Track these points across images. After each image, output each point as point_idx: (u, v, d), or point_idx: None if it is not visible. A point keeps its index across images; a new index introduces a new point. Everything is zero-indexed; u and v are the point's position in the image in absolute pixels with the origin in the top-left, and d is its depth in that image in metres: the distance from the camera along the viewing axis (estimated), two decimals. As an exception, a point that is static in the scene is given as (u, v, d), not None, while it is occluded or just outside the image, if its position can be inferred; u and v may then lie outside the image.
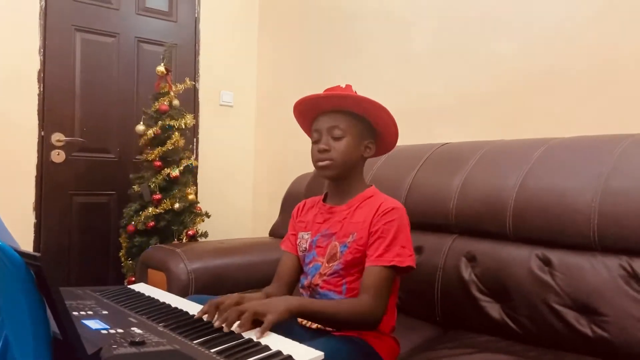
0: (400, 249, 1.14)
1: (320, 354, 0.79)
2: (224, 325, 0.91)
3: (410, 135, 1.53)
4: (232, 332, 0.89)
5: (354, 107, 1.21)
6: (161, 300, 1.12)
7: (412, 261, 1.15)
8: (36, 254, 0.68)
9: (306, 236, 1.31)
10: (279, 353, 0.78)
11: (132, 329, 0.87)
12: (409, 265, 1.14)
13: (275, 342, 0.84)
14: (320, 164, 1.23)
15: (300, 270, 1.33)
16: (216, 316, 0.95)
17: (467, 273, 1.50)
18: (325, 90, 1.23)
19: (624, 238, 1.23)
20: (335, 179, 1.28)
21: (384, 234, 1.15)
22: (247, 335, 0.88)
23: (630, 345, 1.16)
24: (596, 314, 1.22)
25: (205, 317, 0.97)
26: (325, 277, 1.22)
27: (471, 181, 1.59)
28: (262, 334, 0.89)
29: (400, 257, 1.14)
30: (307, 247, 1.29)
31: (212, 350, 0.79)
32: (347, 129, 1.21)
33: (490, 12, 2.04)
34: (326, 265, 1.23)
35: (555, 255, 1.33)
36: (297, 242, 1.33)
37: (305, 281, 1.28)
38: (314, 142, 1.25)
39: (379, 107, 1.20)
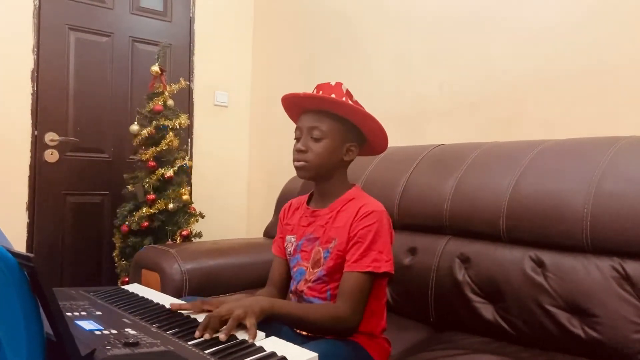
0: (378, 254, 1.13)
1: (315, 355, 0.80)
2: (206, 334, 0.89)
3: (404, 136, 1.53)
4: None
5: (336, 110, 1.20)
6: (155, 301, 1.12)
7: (388, 267, 1.14)
8: (30, 254, 0.68)
9: (292, 239, 1.31)
10: (273, 354, 0.79)
11: (126, 329, 0.87)
12: (385, 272, 1.14)
13: (270, 343, 0.84)
14: (296, 164, 1.22)
15: (290, 273, 1.33)
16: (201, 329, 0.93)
17: (460, 274, 1.51)
18: (316, 86, 1.22)
19: (616, 240, 1.24)
20: (313, 181, 1.28)
21: (362, 239, 1.14)
22: (240, 336, 0.88)
23: (622, 346, 1.17)
24: (588, 315, 1.23)
25: (181, 310, 1.01)
26: (309, 284, 1.22)
27: (465, 183, 1.60)
28: (254, 337, 0.88)
29: (377, 262, 1.13)
30: (292, 251, 1.29)
31: (206, 352, 0.79)
32: (328, 131, 1.19)
33: (484, 14, 2.05)
34: (311, 270, 1.22)
35: (548, 257, 1.34)
36: (285, 245, 1.33)
37: (292, 286, 1.28)
38: (295, 140, 1.24)
39: (362, 113, 1.19)
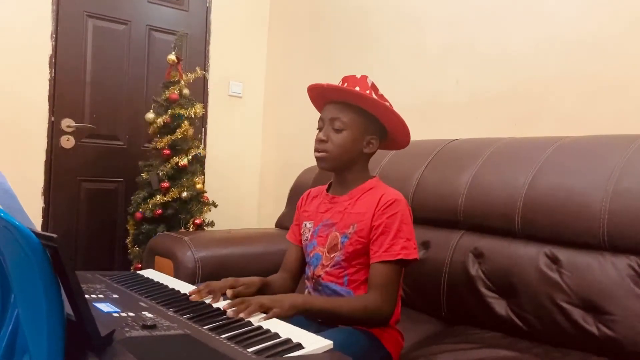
0: (406, 242, 1.15)
1: (329, 342, 0.80)
2: (227, 309, 0.94)
3: (420, 130, 1.52)
4: (242, 318, 0.90)
5: (358, 102, 1.20)
6: (170, 286, 1.13)
7: (416, 253, 1.16)
8: (52, 235, 0.68)
9: (309, 225, 1.32)
10: (288, 340, 0.79)
11: (143, 313, 0.88)
12: (414, 258, 1.15)
13: (285, 330, 0.85)
14: (317, 154, 1.24)
15: (304, 260, 1.34)
16: (219, 301, 0.98)
17: (474, 269, 1.50)
18: (342, 78, 1.23)
19: (633, 238, 1.22)
20: (332, 171, 1.29)
21: (388, 228, 1.15)
22: (255, 322, 0.89)
23: (637, 344, 1.16)
24: (603, 312, 1.22)
25: (193, 297, 1.01)
26: (327, 269, 1.23)
27: (480, 178, 1.59)
28: (265, 319, 0.91)
29: (406, 250, 1.14)
30: (309, 237, 1.30)
31: (223, 336, 0.79)
32: (349, 123, 1.20)
33: (504, 9, 2.03)
34: (327, 255, 1.23)
35: (563, 254, 1.33)
36: (301, 232, 1.34)
37: (308, 272, 1.30)
38: (318, 130, 1.26)
39: (383, 107, 1.19)
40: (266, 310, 0.95)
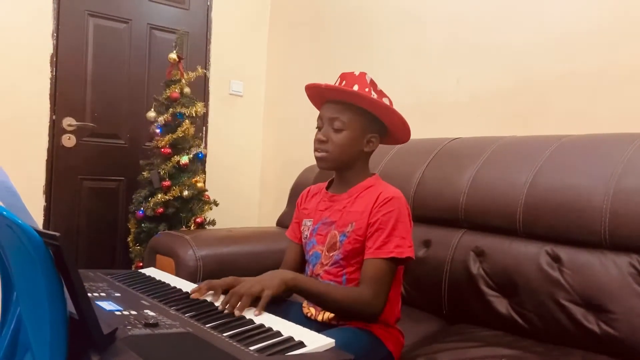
0: (400, 240, 1.14)
1: (331, 341, 0.80)
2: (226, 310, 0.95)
3: (421, 129, 1.53)
4: (244, 316, 0.91)
5: (357, 102, 1.20)
6: (172, 284, 1.13)
7: (411, 252, 1.15)
8: (55, 233, 0.69)
9: (309, 223, 1.32)
10: (290, 339, 0.79)
11: (145, 311, 0.88)
12: (408, 257, 1.15)
13: (287, 328, 0.85)
14: (317, 154, 1.23)
15: (304, 258, 1.33)
16: (220, 299, 0.99)
17: (475, 267, 1.50)
18: (340, 75, 1.22)
19: (635, 236, 1.22)
20: (333, 170, 1.29)
21: (383, 225, 1.15)
22: (257, 320, 0.89)
23: (638, 342, 1.16)
24: (604, 311, 1.22)
25: (194, 295, 1.02)
26: (326, 267, 1.23)
27: (482, 176, 1.59)
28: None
29: (400, 248, 1.13)
30: (309, 235, 1.30)
31: (224, 335, 0.79)
32: (349, 122, 1.19)
33: (505, 8, 2.02)
34: (326, 254, 1.23)
35: (565, 252, 1.33)
36: (301, 230, 1.34)
37: (308, 270, 1.30)
38: (317, 129, 1.25)
39: (382, 106, 1.19)
40: (258, 296, 0.97)
